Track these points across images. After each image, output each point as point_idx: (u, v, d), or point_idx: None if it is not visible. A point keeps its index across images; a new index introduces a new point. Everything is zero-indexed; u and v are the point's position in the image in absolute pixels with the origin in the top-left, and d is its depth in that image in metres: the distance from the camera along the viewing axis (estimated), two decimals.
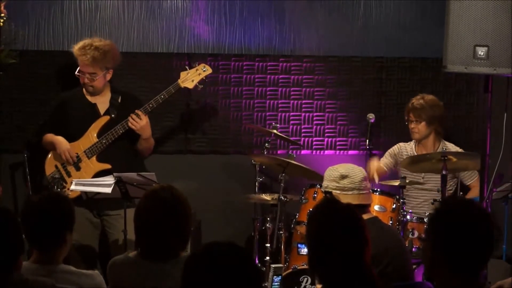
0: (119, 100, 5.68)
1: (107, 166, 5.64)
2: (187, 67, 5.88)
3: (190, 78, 5.80)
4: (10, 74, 6.09)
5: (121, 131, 5.64)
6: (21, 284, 3.24)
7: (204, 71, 5.86)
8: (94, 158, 5.69)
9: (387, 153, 6.28)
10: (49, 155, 5.79)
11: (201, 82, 5.85)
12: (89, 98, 5.79)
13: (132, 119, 5.61)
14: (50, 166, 5.77)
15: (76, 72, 5.72)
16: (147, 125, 5.67)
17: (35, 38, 6.36)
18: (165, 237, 3.56)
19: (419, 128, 6.04)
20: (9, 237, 3.20)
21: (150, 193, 3.70)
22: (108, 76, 5.76)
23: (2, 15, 5.76)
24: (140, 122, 5.61)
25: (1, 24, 5.76)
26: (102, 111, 5.75)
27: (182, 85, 5.79)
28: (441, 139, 6.13)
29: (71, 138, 5.74)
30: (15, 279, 3.21)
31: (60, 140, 5.72)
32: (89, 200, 5.45)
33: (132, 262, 3.61)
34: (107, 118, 5.70)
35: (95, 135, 5.70)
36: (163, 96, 5.72)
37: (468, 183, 6.13)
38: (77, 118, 5.78)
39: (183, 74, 5.82)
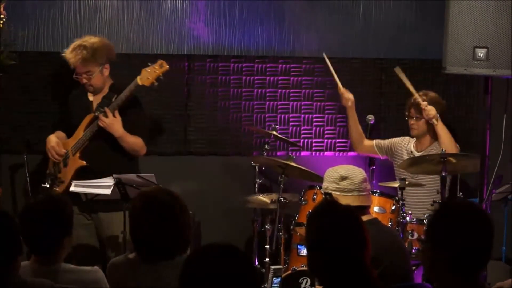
0: (113, 99, 5.65)
1: (83, 163, 5.62)
2: (149, 64, 5.72)
3: (147, 76, 5.65)
4: (9, 75, 6.09)
5: (95, 129, 5.61)
6: (19, 285, 3.23)
7: (161, 67, 5.70)
8: (77, 154, 5.68)
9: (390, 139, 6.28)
10: None
11: (157, 79, 5.69)
12: (89, 95, 5.79)
13: (100, 117, 5.59)
14: (50, 163, 5.80)
15: (74, 76, 5.72)
16: (115, 124, 5.56)
17: (34, 39, 6.35)
18: (163, 239, 3.55)
19: (418, 124, 6.04)
20: (6, 239, 3.19)
21: (146, 194, 3.68)
22: (106, 72, 5.73)
23: (2, 16, 5.77)
24: (106, 120, 5.55)
25: (1, 25, 5.77)
26: (94, 108, 5.75)
27: (140, 82, 5.64)
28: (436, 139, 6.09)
29: (70, 135, 5.77)
30: (13, 281, 3.20)
31: (49, 138, 5.77)
32: (87, 201, 5.47)
33: (131, 264, 3.61)
34: (92, 115, 5.69)
35: (82, 132, 5.70)
36: (125, 94, 5.61)
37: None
38: (75, 116, 5.80)
39: (143, 72, 5.67)
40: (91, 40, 5.71)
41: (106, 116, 5.54)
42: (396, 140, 6.25)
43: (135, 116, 5.72)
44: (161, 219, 3.54)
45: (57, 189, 5.61)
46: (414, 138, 6.19)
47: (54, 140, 5.74)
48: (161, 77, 5.71)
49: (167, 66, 5.72)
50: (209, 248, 2.51)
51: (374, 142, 6.26)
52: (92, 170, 5.51)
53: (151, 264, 3.55)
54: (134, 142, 5.67)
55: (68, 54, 5.68)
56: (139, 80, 5.63)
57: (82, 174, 5.59)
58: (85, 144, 5.65)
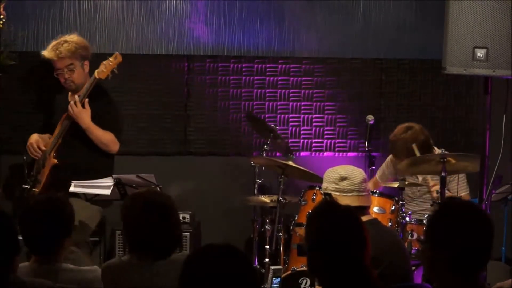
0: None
1: (54, 161, 5.62)
2: (108, 57, 5.68)
3: (103, 69, 5.61)
4: (9, 76, 6.09)
5: (67, 125, 5.62)
6: (18, 286, 3.23)
7: (115, 59, 5.65)
8: (52, 153, 5.67)
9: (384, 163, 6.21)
10: None
11: (112, 72, 5.64)
12: (69, 96, 5.78)
13: (69, 106, 5.58)
14: (35, 163, 5.80)
15: (54, 74, 5.72)
16: (82, 114, 5.55)
17: (34, 40, 6.36)
18: (157, 239, 3.55)
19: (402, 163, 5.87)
20: (4, 238, 3.18)
21: (137, 196, 3.68)
22: (86, 68, 5.73)
23: (2, 16, 5.77)
24: (74, 109, 5.54)
25: (1, 25, 5.77)
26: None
27: (97, 76, 5.60)
28: (434, 148, 5.99)
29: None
30: (12, 281, 3.19)
31: (31, 136, 5.79)
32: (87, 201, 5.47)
33: (126, 265, 3.61)
34: (66, 113, 5.69)
35: (57, 131, 5.70)
36: (86, 87, 5.61)
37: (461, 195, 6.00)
38: (56, 116, 5.83)
39: (101, 65, 5.63)
40: (70, 36, 5.75)
41: (76, 106, 5.54)
42: (387, 159, 6.18)
43: (103, 110, 5.71)
44: (160, 219, 3.55)
45: (35, 189, 5.63)
46: None
47: (34, 138, 5.77)
48: (116, 70, 5.65)
49: (121, 59, 5.68)
50: (209, 248, 2.51)
51: (378, 177, 6.16)
52: (65, 169, 5.50)
53: (148, 263, 3.55)
54: (102, 135, 5.65)
55: (49, 51, 5.69)
56: (96, 73, 5.61)
57: (57, 173, 5.58)
58: (59, 142, 5.64)
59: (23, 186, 5.69)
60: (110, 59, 5.64)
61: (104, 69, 5.59)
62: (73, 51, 5.66)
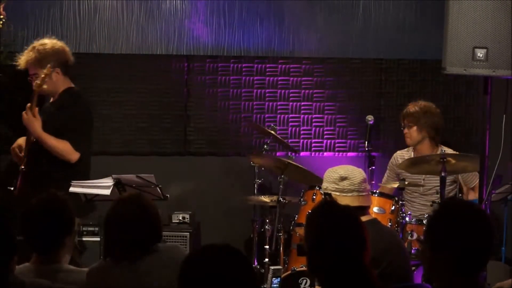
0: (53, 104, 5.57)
1: (22, 167, 5.56)
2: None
3: (38, 81, 5.43)
4: (9, 76, 6.09)
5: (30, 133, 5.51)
6: (16, 286, 3.22)
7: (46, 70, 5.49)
8: (25, 159, 5.60)
9: (387, 167, 6.27)
10: None
11: (43, 80, 5.45)
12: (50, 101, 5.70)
13: (23, 114, 5.44)
14: None
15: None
16: (32, 123, 5.40)
17: (34, 40, 6.34)
18: (137, 237, 3.56)
19: (410, 133, 6.03)
20: (1, 239, 3.17)
21: (118, 201, 3.72)
22: (56, 76, 5.50)
23: (1, 16, 5.77)
24: (24, 117, 5.41)
25: (1, 25, 5.76)
26: None
27: (36, 89, 5.45)
28: (439, 145, 6.10)
29: None
30: (11, 281, 3.19)
31: (17, 140, 5.70)
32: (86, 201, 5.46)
33: (108, 267, 3.61)
34: None
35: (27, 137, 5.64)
36: (33, 99, 5.44)
37: (472, 186, 6.11)
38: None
39: (38, 78, 5.46)
40: (43, 43, 5.55)
41: (27, 114, 5.41)
42: (391, 160, 6.23)
43: (62, 118, 5.52)
44: (132, 215, 3.56)
45: (15, 192, 5.55)
46: (411, 148, 6.18)
47: (18, 141, 5.64)
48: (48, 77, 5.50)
49: (51, 68, 5.50)
50: (208, 248, 2.51)
51: (383, 183, 6.19)
52: (30, 176, 5.40)
53: (129, 262, 3.55)
54: (56, 144, 5.46)
55: (22, 56, 5.57)
56: (35, 87, 5.45)
57: (24, 179, 5.50)
58: (27, 148, 5.55)
59: (8, 188, 5.64)
60: (44, 71, 5.45)
61: (39, 81, 5.43)
62: (35, 61, 5.48)
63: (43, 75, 5.40)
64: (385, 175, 6.27)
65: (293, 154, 6.34)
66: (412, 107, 6.07)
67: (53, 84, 5.55)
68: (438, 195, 5.47)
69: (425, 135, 6.04)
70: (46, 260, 3.64)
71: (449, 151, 6.06)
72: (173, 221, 6.20)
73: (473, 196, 6.01)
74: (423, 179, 6.05)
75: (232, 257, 2.48)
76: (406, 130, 6.09)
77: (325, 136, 6.73)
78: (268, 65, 6.65)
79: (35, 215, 3.65)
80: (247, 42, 6.59)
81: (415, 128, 6.02)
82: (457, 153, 5.98)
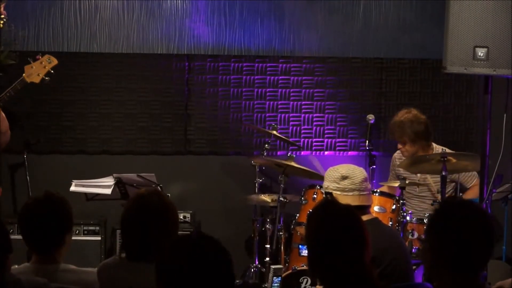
0: None
1: None
2: (30, 61, 5.57)
3: (35, 72, 5.51)
4: (9, 75, 6.09)
5: None
6: (13, 284, 3.22)
7: (49, 63, 5.57)
8: None
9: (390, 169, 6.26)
10: None
11: (47, 74, 5.57)
12: None
13: None
14: None
15: None
16: None
17: (34, 39, 6.36)
18: (152, 239, 3.55)
19: (405, 148, 5.96)
20: None
21: (136, 197, 3.68)
22: None
23: (2, 16, 5.76)
24: None
25: (1, 25, 5.76)
26: None
27: (28, 80, 5.51)
28: (432, 145, 6.04)
29: None
30: (7, 280, 3.18)
31: None
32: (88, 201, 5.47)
33: (121, 264, 3.61)
34: None
35: None
36: (8, 93, 5.48)
37: (469, 186, 6.10)
38: None
39: (27, 69, 5.53)
40: None
41: None
42: (391, 164, 6.22)
43: None
44: (153, 220, 3.54)
45: None
46: None
47: None
48: (52, 72, 5.57)
49: (56, 61, 5.61)
50: (180, 240, 2.59)
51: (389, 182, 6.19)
52: None
53: (143, 263, 3.55)
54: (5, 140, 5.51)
55: None
56: (26, 78, 5.50)
57: None
58: None
59: None
60: (43, 61, 5.51)
61: (39, 72, 5.46)
62: None
63: (36, 67, 5.43)
64: (390, 177, 6.26)
65: (294, 153, 6.34)
66: (392, 128, 5.95)
67: None
68: (438, 195, 5.48)
69: (419, 143, 5.95)
70: (46, 260, 3.63)
71: (438, 148, 6.01)
72: None
73: (470, 195, 6.00)
74: (418, 180, 6.03)
75: (203, 242, 2.54)
76: (400, 146, 6.03)
77: (326, 135, 6.73)
78: (268, 65, 6.65)
79: (34, 215, 3.64)
80: (248, 42, 6.59)
81: (408, 144, 5.93)
82: (458, 152, 5.99)
